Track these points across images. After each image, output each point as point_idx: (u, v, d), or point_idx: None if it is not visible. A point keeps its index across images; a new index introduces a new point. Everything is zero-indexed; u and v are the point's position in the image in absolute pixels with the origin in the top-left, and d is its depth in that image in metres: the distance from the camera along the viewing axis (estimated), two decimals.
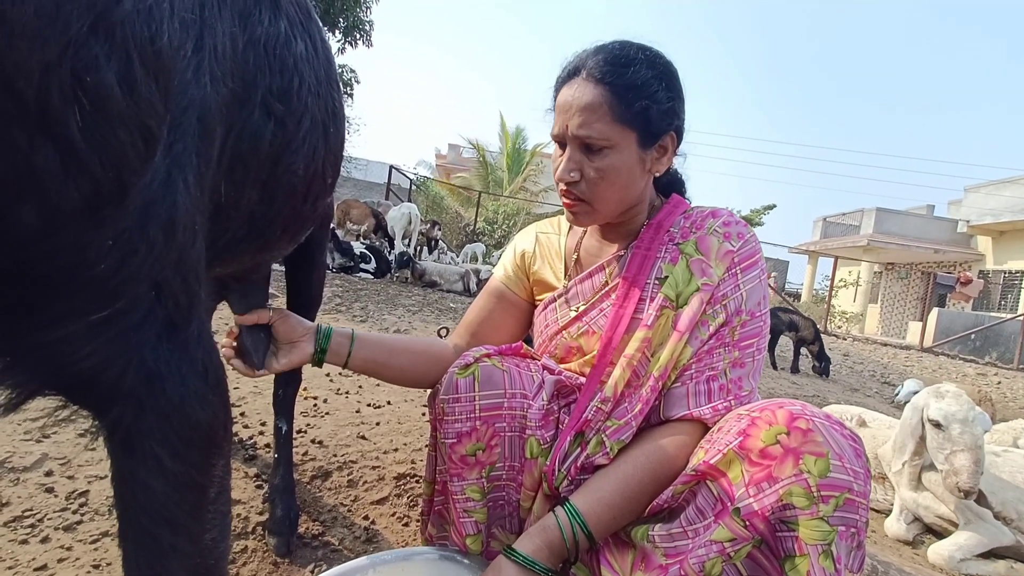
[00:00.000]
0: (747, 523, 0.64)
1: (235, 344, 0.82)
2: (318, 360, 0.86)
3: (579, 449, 0.81)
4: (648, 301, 0.83)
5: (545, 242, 1.00)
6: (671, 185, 0.94)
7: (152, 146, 0.42)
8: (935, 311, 11.34)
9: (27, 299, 0.40)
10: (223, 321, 2.34)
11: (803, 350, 5.10)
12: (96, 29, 0.36)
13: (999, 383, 6.72)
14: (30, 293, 0.40)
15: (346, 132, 0.93)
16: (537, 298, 0.99)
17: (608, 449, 0.78)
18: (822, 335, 5.23)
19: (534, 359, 0.92)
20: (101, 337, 0.43)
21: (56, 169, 0.36)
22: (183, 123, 0.45)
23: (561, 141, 0.82)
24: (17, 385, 0.44)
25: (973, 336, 10.42)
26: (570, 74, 0.81)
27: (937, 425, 1.60)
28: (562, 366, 0.91)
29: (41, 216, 0.37)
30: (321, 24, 0.80)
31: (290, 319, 0.86)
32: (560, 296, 0.92)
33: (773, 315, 5.01)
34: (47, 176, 0.36)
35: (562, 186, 0.83)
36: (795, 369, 4.93)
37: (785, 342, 5.42)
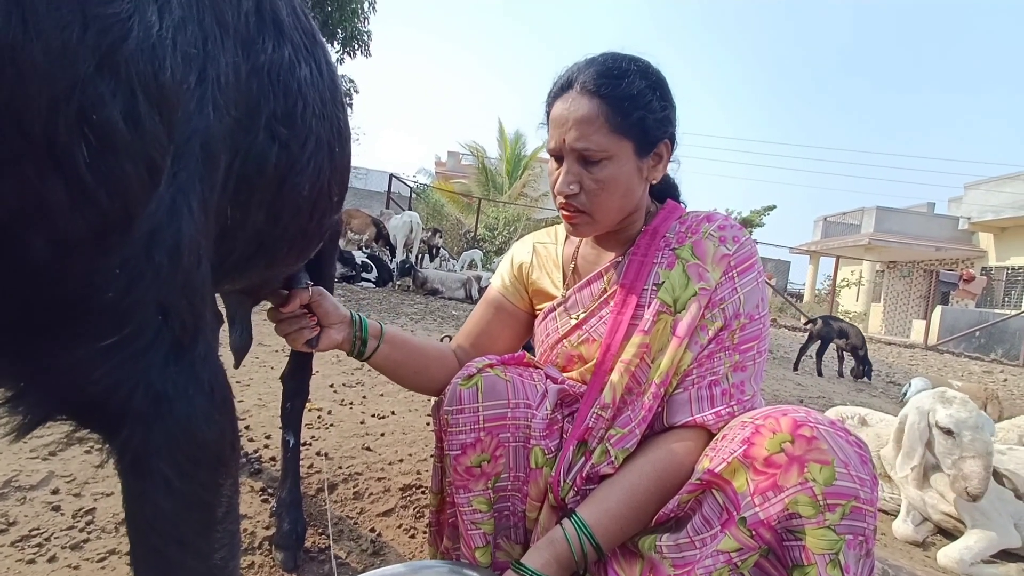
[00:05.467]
0: (753, 533, 0.64)
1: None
2: (359, 352, 0.89)
3: (583, 459, 0.81)
4: (646, 307, 0.83)
5: (543, 252, 1.00)
6: (666, 190, 0.94)
7: (157, 176, 0.43)
8: (939, 309, 11.29)
9: (39, 326, 0.41)
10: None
11: (810, 351, 5.15)
12: (102, 68, 0.37)
13: (1005, 380, 6.68)
14: (42, 320, 0.41)
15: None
16: (537, 307, 0.99)
17: (613, 458, 0.78)
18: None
19: (537, 368, 0.92)
20: (110, 362, 0.43)
21: (64, 201, 0.37)
22: (186, 152, 0.46)
23: (557, 155, 0.83)
24: (29, 410, 0.44)
25: (978, 333, 10.37)
26: (562, 88, 0.82)
27: (948, 432, 1.59)
28: (564, 375, 0.91)
29: (51, 245, 0.38)
30: (326, 45, 0.81)
31: (327, 302, 0.88)
32: (559, 305, 0.93)
33: (824, 323, 5.10)
34: (55, 207, 0.37)
35: (561, 199, 0.83)
36: (819, 372, 4.98)
37: (794, 345, 5.41)
